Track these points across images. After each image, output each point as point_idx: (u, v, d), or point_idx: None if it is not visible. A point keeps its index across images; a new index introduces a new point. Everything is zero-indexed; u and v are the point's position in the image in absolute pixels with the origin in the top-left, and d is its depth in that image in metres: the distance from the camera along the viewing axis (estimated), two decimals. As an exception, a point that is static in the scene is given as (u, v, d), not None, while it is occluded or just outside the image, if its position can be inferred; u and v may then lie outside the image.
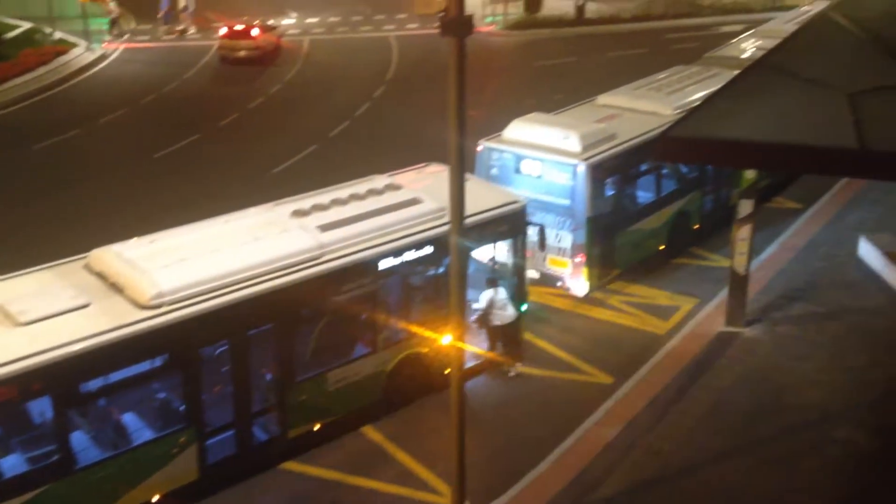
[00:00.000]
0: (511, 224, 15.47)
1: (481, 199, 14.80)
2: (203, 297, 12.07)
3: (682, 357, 15.82)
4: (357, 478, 13.20)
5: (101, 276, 12.38)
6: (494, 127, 18.63)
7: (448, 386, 11.01)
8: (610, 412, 14.40)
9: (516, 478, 12.95)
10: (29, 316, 11.27)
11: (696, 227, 20.15)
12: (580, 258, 17.50)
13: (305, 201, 14.32)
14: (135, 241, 13.16)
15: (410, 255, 14.14)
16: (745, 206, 16.04)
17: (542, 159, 17.61)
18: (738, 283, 16.38)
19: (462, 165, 9.89)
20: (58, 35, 39.38)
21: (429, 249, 14.28)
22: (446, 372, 13.82)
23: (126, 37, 41.52)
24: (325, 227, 13.56)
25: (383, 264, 13.84)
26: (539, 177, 17.65)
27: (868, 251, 18.65)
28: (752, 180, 15.88)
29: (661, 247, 19.31)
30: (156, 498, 12.21)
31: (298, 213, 13.85)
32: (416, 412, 14.61)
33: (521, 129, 18.15)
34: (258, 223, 13.64)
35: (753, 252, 16.63)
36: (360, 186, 14.87)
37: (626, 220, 18.33)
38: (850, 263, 18.76)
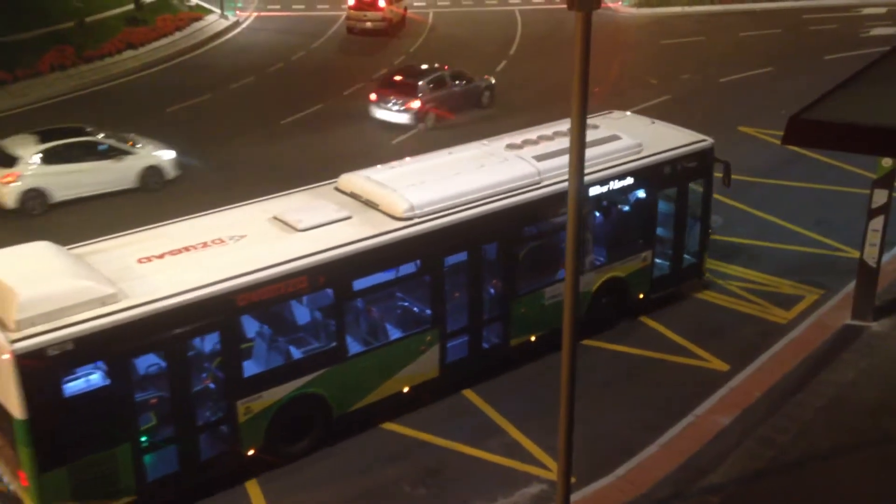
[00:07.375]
0: (699, 162, 16.22)
1: (669, 138, 16.24)
2: (447, 212, 13.54)
3: (803, 348, 15.34)
4: (466, 447, 13.35)
5: (353, 195, 13.99)
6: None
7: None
8: (724, 399, 14.12)
9: (624, 458, 12.87)
10: (305, 224, 12.94)
11: None
12: None
13: (516, 137, 15.74)
14: (377, 167, 14.73)
15: (613, 185, 15.26)
16: (880, 196, 15.37)
17: None
18: (868, 275, 15.72)
19: (583, 137, 9.78)
20: (193, 1, 40.70)
21: (628, 181, 15.41)
22: (640, 296, 16.08)
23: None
24: (540, 158, 14.80)
25: (591, 192, 14.81)
26: None
27: None
28: (888, 169, 15.22)
29: None
30: (405, 389, 13.69)
31: (513, 147, 15.22)
32: (523, 383, 14.70)
33: None
34: (480, 154, 15.15)
35: (886, 244, 15.92)
36: (562, 125, 15.96)
37: None
38: None
